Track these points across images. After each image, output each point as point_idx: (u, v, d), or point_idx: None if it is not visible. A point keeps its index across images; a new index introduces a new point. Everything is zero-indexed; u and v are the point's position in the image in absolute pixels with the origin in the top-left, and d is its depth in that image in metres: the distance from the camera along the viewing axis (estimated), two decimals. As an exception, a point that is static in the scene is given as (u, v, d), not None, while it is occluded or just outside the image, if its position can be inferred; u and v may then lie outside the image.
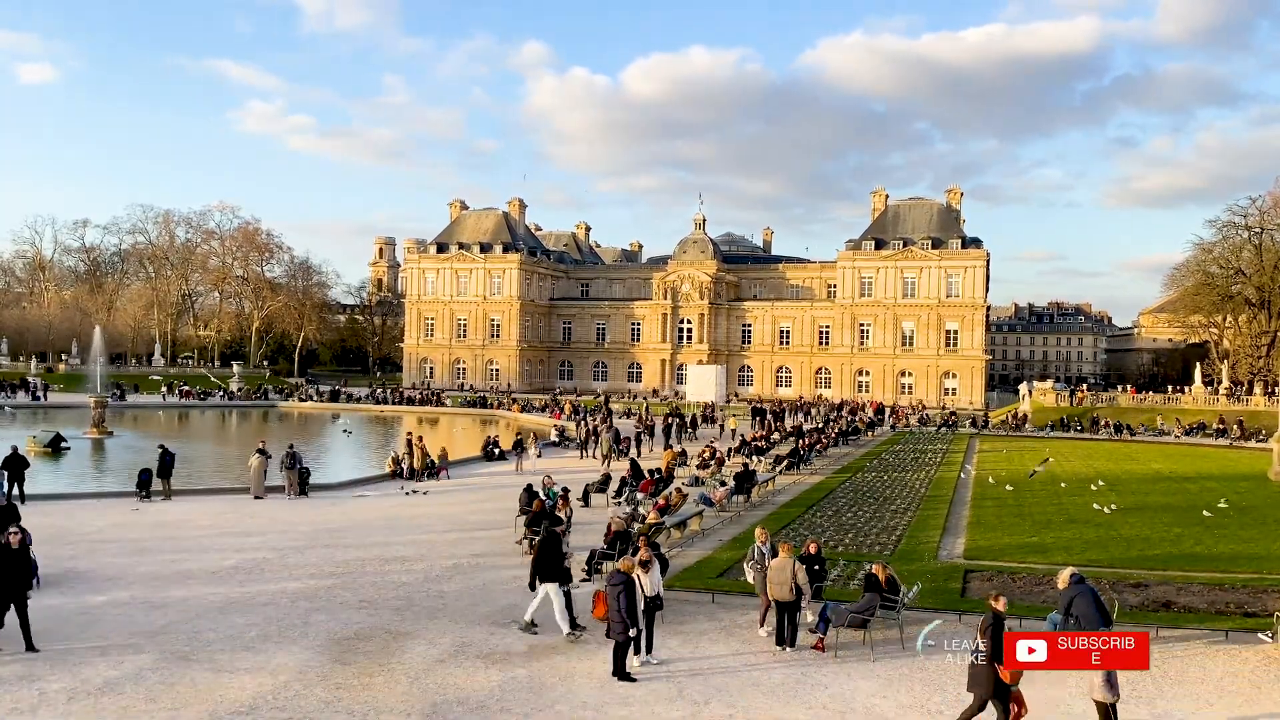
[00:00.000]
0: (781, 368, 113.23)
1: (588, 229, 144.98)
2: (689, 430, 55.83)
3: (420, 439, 39.22)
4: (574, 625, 15.46)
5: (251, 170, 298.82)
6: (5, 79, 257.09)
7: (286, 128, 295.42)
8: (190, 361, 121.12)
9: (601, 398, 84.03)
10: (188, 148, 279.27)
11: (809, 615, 15.84)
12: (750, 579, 16.77)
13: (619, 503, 29.18)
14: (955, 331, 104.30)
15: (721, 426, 61.78)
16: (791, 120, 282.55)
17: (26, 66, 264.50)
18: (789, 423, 63.88)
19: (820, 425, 59.99)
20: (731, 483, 30.53)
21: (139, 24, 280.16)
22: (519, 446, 40.73)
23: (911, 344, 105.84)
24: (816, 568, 16.67)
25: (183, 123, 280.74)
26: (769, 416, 65.20)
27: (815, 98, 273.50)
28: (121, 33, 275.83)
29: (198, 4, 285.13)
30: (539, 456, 40.44)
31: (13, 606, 14.58)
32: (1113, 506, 30.31)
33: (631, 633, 13.67)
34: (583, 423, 55.31)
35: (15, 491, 28.57)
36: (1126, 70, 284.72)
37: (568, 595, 15.81)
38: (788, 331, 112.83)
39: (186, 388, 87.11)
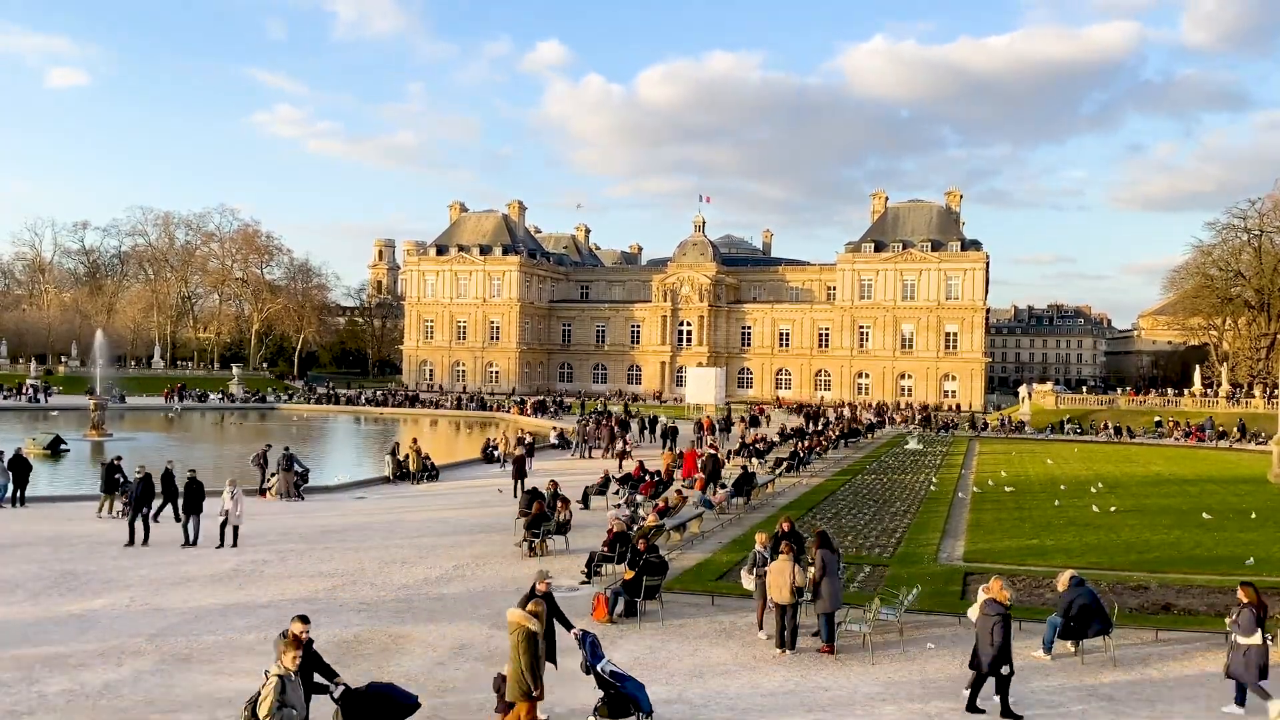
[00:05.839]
0: (781, 370, 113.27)
1: (587, 231, 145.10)
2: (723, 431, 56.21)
3: (415, 441, 39.31)
4: None
5: (269, 175, 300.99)
6: (33, 83, 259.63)
7: (308, 133, 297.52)
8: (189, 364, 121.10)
9: (599, 400, 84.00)
10: (206, 152, 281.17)
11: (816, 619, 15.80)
12: (747, 585, 16.72)
13: (619, 505, 29.14)
14: (955, 334, 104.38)
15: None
16: (810, 125, 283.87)
17: (58, 70, 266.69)
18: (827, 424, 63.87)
19: (820, 428, 60.00)
20: (731, 485, 30.53)
21: (170, 29, 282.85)
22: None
23: (911, 346, 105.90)
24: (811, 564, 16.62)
25: (203, 128, 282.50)
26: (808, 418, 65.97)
27: (835, 102, 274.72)
28: (152, 37, 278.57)
29: (233, 9, 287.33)
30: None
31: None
32: (1112, 509, 30.33)
33: (1004, 670, 12.29)
34: (599, 423, 55.29)
35: (17, 494, 28.63)
36: (1147, 77, 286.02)
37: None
38: (787, 334, 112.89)
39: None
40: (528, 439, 42.35)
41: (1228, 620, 13.04)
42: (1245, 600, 12.83)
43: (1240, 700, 12.54)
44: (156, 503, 24.77)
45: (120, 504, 26.45)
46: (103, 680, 13.20)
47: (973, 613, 13.24)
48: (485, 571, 20.46)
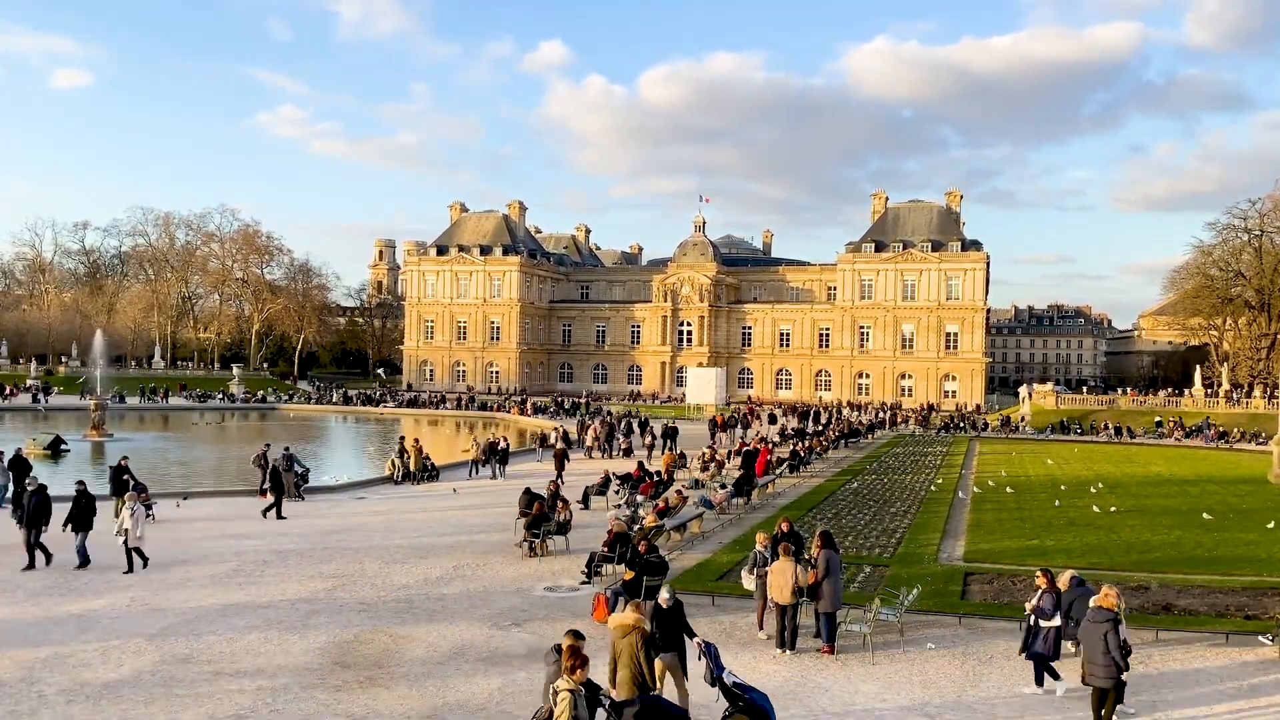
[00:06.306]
0: (781, 370, 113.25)
1: (588, 231, 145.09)
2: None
3: (417, 441, 39.31)
4: None
5: (271, 175, 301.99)
6: (37, 83, 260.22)
7: (310, 133, 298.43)
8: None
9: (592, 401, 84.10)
10: (209, 153, 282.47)
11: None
12: (748, 585, 16.71)
13: (619, 505, 29.14)
14: (955, 334, 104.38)
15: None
16: (812, 125, 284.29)
17: (63, 71, 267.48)
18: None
19: (820, 427, 60.02)
20: (731, 485, 30.53)
21: (174, 30, 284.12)
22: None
23: (911, 346, 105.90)
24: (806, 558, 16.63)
25: (206, 128, 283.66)
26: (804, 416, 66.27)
27: (837, 103, 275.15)
28: (156, 38, 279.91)
29: (237, 10, 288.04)
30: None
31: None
32: (1113, 509, 30.32)
33: (1124, 676, 11.77)
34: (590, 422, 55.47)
35: (18, 494, 28.52)
36: (1149, 78, 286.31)
37: None
38: (788, 334, 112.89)
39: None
40: (500, 444, 39.97)
41: (1028, 605, 13.84)
42: (1044, 586, 13.73)
43: (1039, 680, 13.30)
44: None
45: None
46: (103, 680, 13.20)
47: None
48: (485, 572, 20.46)
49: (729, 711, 11.02)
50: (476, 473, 38.61)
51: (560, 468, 35.66)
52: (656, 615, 12.16)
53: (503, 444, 40.17)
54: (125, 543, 19.84)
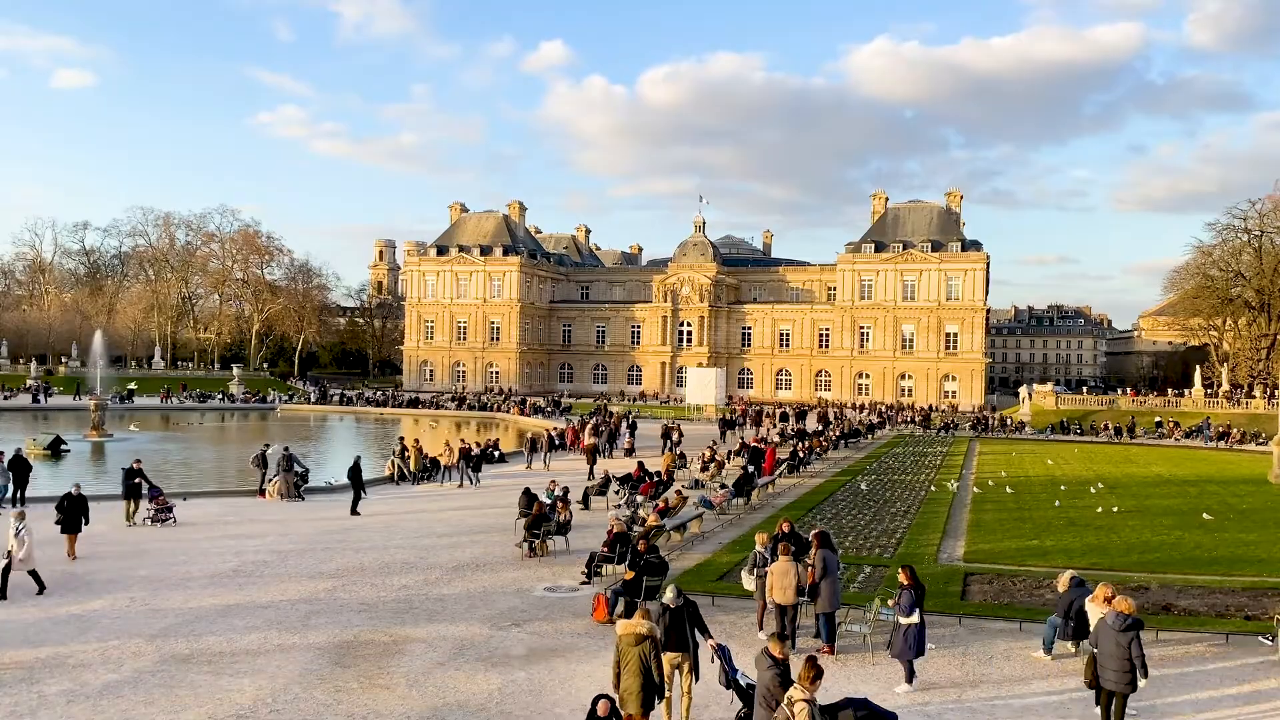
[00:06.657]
0: (781, 370, 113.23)
1: (588, 231, 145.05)
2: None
3: (417, 441, 39.31)
4: None
5: (272, 176, 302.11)
6: (39, 83, 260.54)
7: (312, 133, 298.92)
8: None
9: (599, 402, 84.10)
10: (210, 153, 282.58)
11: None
12: (748, 585, 16.72)
13: (619, 505, 29.14)
14: (955, 334, 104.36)
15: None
16: (813, 126, 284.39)
17: (65, 71, 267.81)
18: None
19: (820, 428, 60.05)
20: (731, 486, 30.53)
21: (176, 30, 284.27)
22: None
23: (911, 347, 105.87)
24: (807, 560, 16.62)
25: (207, 129, 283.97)
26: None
27: (839, 103, 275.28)
28: (158, 39, 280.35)
29: (239, 10, 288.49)
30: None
31: None
32: (1114, 509, 30.31)
33: (1141, 683, 11.59)
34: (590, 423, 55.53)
35: (17, 495, 28.57)
36: (1150, 78, 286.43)
37: None
38: (788, 334, 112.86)
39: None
40: (474, 450, 38.33)
41: (890, 603, 13.89)
42: (905, 582, 13.63)
43: (910, 678, 13.35)
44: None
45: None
46: (103, 680, 13.21)
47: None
48: (485, 572, 20.45)
49: (743, 712, 11.07)
50: (449, 477, 36.91)
51: (592, 463, 37.88)
52: (664, 615, 12.15)
53: (475, 450, 38.29)
54: (7, 566, 17.48)
